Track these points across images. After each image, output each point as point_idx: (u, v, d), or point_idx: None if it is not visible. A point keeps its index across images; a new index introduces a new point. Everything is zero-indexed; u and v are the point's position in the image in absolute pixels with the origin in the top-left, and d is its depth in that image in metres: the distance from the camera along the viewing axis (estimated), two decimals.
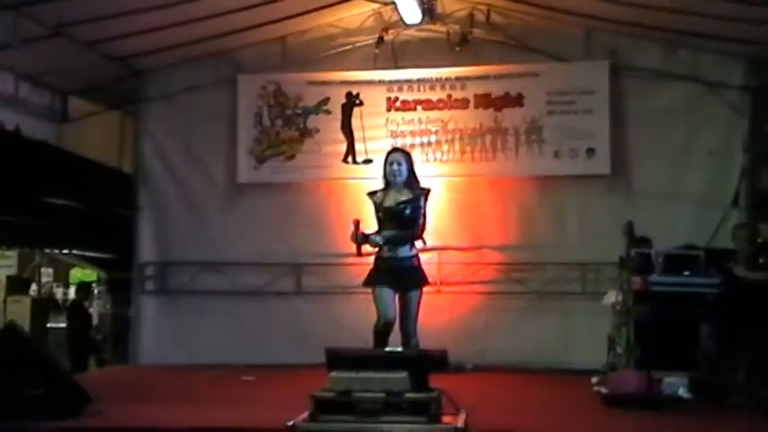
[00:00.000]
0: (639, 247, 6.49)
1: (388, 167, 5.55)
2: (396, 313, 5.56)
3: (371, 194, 5.59)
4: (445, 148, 8.37)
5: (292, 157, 8.60)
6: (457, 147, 8.38)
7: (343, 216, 6.17)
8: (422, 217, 5.49)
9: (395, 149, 5.71)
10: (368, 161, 8.32)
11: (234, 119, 8.64)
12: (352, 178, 8.31)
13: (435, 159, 8.38)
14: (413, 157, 5.65)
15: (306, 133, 8.59)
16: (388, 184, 5.52)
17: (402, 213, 5.45)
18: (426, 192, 5.55)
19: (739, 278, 5.99)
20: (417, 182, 5.59)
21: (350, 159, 8.48)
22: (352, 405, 4.23)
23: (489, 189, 8.44)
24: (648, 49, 8.17)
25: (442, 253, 8.20)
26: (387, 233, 5.42)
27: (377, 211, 5.51)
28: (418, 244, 5.57)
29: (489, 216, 8.41)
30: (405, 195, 5.47)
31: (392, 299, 5.49)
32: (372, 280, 5.61)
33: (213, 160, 8.73)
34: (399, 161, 5.55)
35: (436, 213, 7.91)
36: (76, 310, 10.30)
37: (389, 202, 5.47)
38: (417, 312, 5.54)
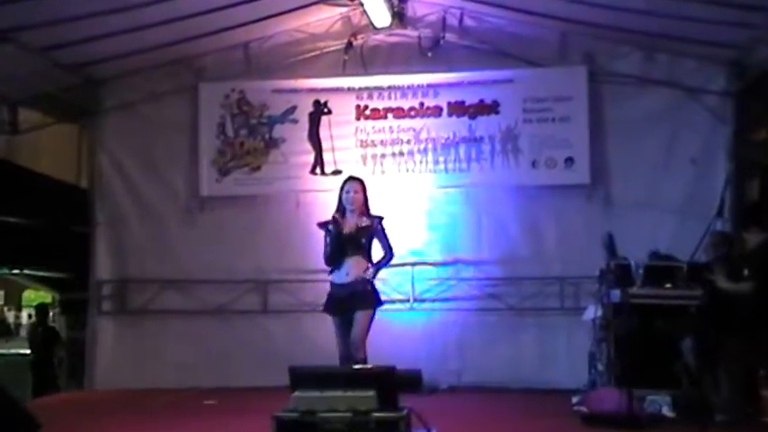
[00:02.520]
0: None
1: (344, 195, 5.70)
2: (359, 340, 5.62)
3: (324, 225, 5.71)
4: (418, 158, 8.38)
5: (258, 168, 8.58)
6: (430, 157, 8.40)
7: (312, 229, 5.92)
8: (386, 243, 5.64)
9: (351, 178, 5.83)
10: (337, 172, 8.27)
11: (195, 129, 8.62)
12: (321, 190, 8.19)
13: (408, 170, 8.42)
14: (366, 186, 5.74)
15: (271, 143, 8.58)
16: (344, 212, 5.68)
17: (359, 240, 5.64)
18: (381, 219, 5.73)
19: (721, 290, 5.99)
20: (369, 210, 5.77)
21: (318, 170, 8.46)
22: (315, 426, 4.22)
23: (464, 201, 8.43)
24: (627, 54, 8.19)
25: (415, 268, 8.24)
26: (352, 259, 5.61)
27: (335, 238, 5.62)
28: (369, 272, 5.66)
29: (464, 229, 8.42)
30: (362, 223, 5.65)
31: (348, 327, 5.57)
32: (328, 310, 5.70)
33: (174, 173, 8.71)
34: (356, 189, 5.72)
35: (409, 227, 8.17)
36: (46, 332, 10.12)
37: (349, 228, 5.62)
38: (366, 335, 5.56)
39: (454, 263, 8.37)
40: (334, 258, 5.60)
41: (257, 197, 8.58)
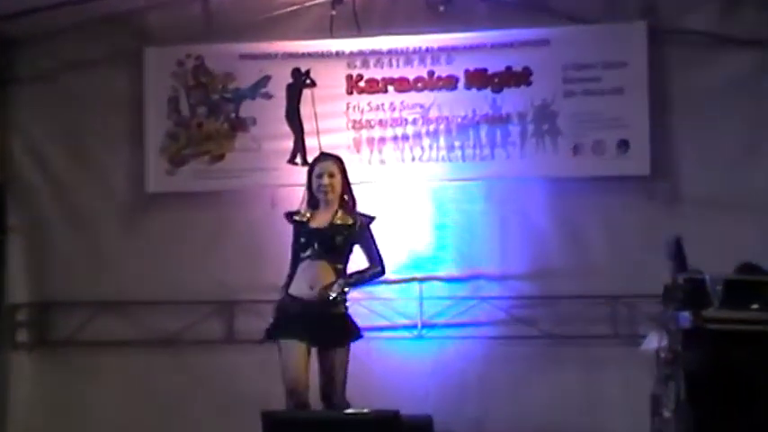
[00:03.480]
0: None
1: (314, 180, 5.62)
2: (307, 379, 5.56)
3: (292, 215, 5.75)
4: (426, 143, 8.12)
5: (221, 157, 8.31)
6: (442, 141, 8.12)
7: (291, 235, 6.04)
8: (374, 252, 5.65)
9: (323, 155, 5.81)
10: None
11: (139, 107, 8.33)
12: (303, 185, 7.32)
13: (413, 158, 8.15)
14: (345, 167, 5.73)
15: (239, 125, 8.28)
16: (316, 203, 5.60)
17: (333, 239, 5.52)
18: (370, 220, 5.70)
19: None
20: (354, 201, 5.70)
21: (299, 159, 8.18)
22: None
23: (486, 197, 8.17)
24: (700, 6, 7.93)
25: (424, 284, 8.06)
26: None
27: (298, 234, 5.59)
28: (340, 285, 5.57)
29: (486, 234, 8.12)
30: (339, 219, 5.59)
31: (305, 358, 5.49)
32: (278, 331, 5.62)
33: (111, 163, 8.45)
34: (331, 172, 5.60)
35: (415, 232, 8.06)
36: None
37: (318, 222, 5.53)
38: (345, 377, 5.56)
39: (473, 277, 8.08)
40: (294, 261, 5.52)
41: (221, 194, 8.29)
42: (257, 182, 8.34)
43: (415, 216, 8.19)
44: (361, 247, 5.62)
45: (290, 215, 5.90)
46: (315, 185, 5.56)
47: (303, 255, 5.56)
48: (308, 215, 5.74)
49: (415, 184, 8.24)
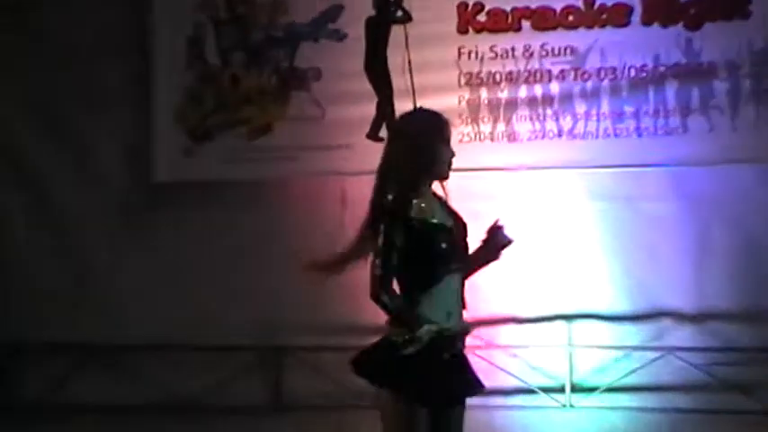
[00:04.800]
0: None
1: (446, 150, 4.35)
2: None
3: (398, 207, 4.35)
4: (581, 108, 7.06)
5: (266, 128, 7.39)
6: (605, 106, 7.06)
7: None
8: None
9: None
10: None
11: (143, 53, 7.57)
12: None
13: (559, 133, 7.08)
14: None
15: (294, 80, 7.40)
16: (426, 186, 4.38)
17: (466, 236, 4.47)
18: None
19: None
20: None
21: (383, 133, 7.20)
22: None
23: (673, 194, 7.12)
24: None
25: (574, 325, 7.08)
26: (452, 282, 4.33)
27: (432, 237, 4.29)
28: None
29: (673, 252, 7.19)
30: (445, 205, 4.49)
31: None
32: (428, 393, 4.37)
33: (102, 139, 7.66)
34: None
35: (560, 243, 7.16)
36: None
37: (443, 218, 4.40)
38: None
39: (652, 317, 7.14)
40: (437, 275, 4.24)
41: (264, 186, 7.48)
42: (321, 167, 7.39)
43: (562, 221, 7.22)
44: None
45: (396, 206, 4.31)
46: (447, 156, 4.25)
47: (443, 269, 4.27)
48: (427, 208, 4.41)
49: (562, 173, 7.20)
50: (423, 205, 4.39)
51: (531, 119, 7.15)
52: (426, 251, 4.27)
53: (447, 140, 4.37)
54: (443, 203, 4.48)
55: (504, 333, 7.07)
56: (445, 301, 4.35)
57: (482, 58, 7.17)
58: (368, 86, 7.30)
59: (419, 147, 4.27)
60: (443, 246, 4.36)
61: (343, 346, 6.51)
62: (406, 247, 4.17)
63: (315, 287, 6.93)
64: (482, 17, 7.18)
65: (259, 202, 7.50)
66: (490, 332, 6.97)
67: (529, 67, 7.14)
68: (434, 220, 4.37)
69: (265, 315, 7.40)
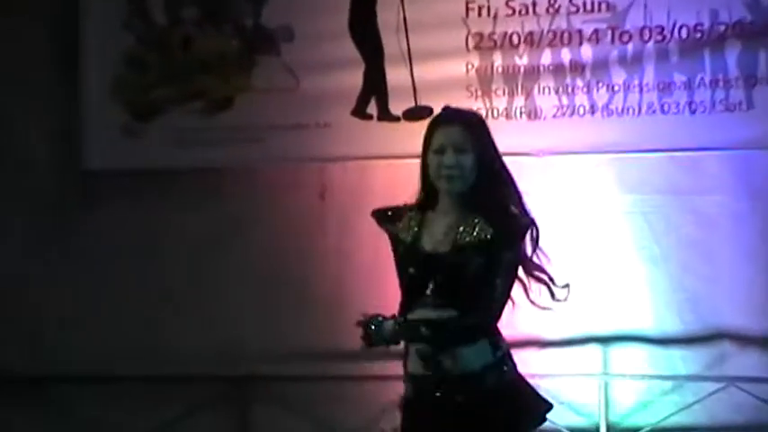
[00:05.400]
0: None
1: (432, 157, 4.29)
2: None
3: (386, 218, 4.47)
4: (619, 77, 6.17)
5: (226, 102, 6.63)
6: (650, 74, 6.15)
7: (356, 251, 5.77)
8: (508, 282, 4.32)
9: (447, 113, 4.42)
10: (417, 112, 6.34)
11: (70, 10, 6.75)
12: (381, 157, 6.48)
13: (592, 109, 6.20)
14: (489, 130, 4.34)
15: (261, 42, 6.66)
16: (433, 197, 4.34)
17: (462, 268, 4.20)
18: (526, 227, 4.29)
19: None
20: (505, 190, 4.40)
21: (373, 108, 6.50)
22: None
23: (735, 182, 6.33)
24: None
25: (612, 349, 6.28)
26: (424, 314, 4.22)
27: (401, 259, 4.34)
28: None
29: (736, 251, 6.38)
30: (470, 227, 4.23)
31: None
32: None
33: (20, 119, 6.93)
34: (459, 145, 4.23)
35: (592, 249, 6.37)
36: None
37: (430, 241, 4.26)
38: None
39: (709, 338, 6.33)
40: (408, 305, 4.25)
41: (223, 175, 6.73)
42: (294, 151, 6.61)
43: (594, 221, 6.42)
44: (488, 271, 4.18)
45: (382, 216, 4.39)
46: (434, 167, 4.15)
47: (415, 296, 4.19)
48: (416, 225, 4.28)
49: (595, 160, 6.34)
50: (411, 221, 4.30)
51: (556, 91, 6.27)
52: (398, 272, 4.21)
53: (438, 147, 4.17)
54: (464, 227, 4.18)
55: (524, 359, 5.63)
56: None
57: (496, 15, 6.33)
58: (352, 50, 6.47)
59: (421, 157, 4.19)
60: (411, 271, 4.19)
61: (319, 376, 6.48)
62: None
63: (285, 304, 6.57)
64: None
65: (217, 197, 6.70)
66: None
67: (554, 27, 6.31)
68: (406, 238, 4.24)
69: (226, 338, 6.62)
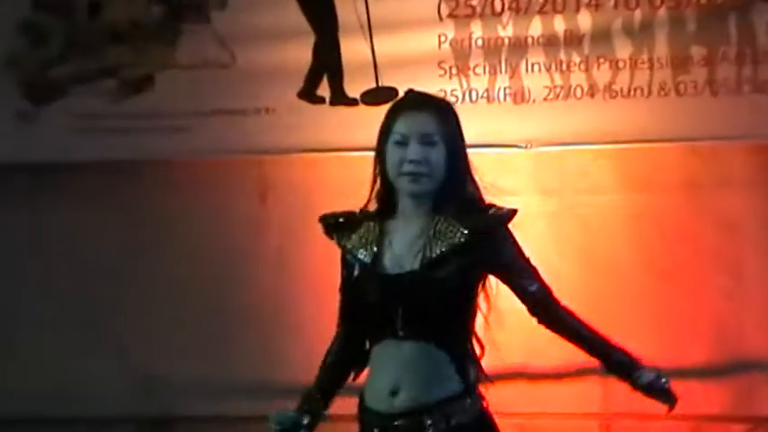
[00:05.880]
0: None
1: (393, 152, 3.62)
2: None
3: (336, 226, 3.84)
4: (624, 52, 5.60)
5: (145, 83, 6.02)
6: (661, 48, 5.55)
7: (302, 264, 5.40)
8: (537, 284, 3.65)
9: (412, 96, 3.72)
10: (379, 94, 5.78)
11: None
12: (334, 149, 5.95)
13: (591, 90, 5.62)
14: (458, 118, 3.63)
15: (186, 8, 6.08)
16: (390, 201, 3.70)
17: (437, 290, 3.57)
18: (508, 216, 3.68)
19: None
20: (477, 187, 3.76)
21: (323, 91, 5.90)
22: None
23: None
24: None
25: (613, 382, 4.80)
26: (388, 348, 3.62)
27: (356, 282, 3.70)
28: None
29: None
30: (441, 234, 3.66)
31: None
32: None
33: None
34: (427, 135, 3.63)
35: (588, 257, 5.92)
36: None
37: (393, 258, 3.62)
38: None
39: (737, 371, 5.79)
40: (368, 333, 3.69)
41: (141, 169, 6.09)
42: (229, 141, 6.00)
43: (594, 228, 5.91)
44: (510, 280, 3.54)
45: (332, 224, 3.73)
46: (393, 159, 3.47)
47: (371, 327, 3.62)
48: (374, 240, 3.63)
49: (595, 153, 5.76)
50: (369, 235, 3.75)
51: (548, 68, 5.63)
52: (347, 297, 3.67)
53: (400, 138, 3.59)
54: (443, 235, 3.66)
55: (510, 395, 5.40)
56: (385, 371, 3.60)
57: None
58: (300, 19, 5.83)
59: (376, 150, 3.63)
60: (370, 300, 3.64)
61: (249, 416, 5.58)
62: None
63: (214, 329, 5.88)
64: None
65: (131, 198, 6.06)
66: (488, 394, 6.07)
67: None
68: (364, 257, 3.70)
69: (143, 370, 5.97)
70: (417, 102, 3.63)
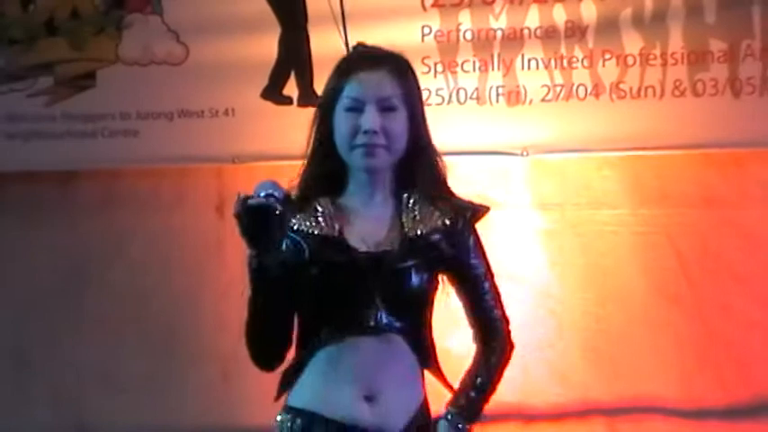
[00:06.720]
0: None
1: (343, 120, 3.25)
2: None
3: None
4: (634, 46, 5.23)
5: (84, 81, 5.54)
6: (675, 41, 5.21)
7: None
8: (491, 298, 3.43)
9: (365, 51, 3.41)
10: None
11: None
12: (302, 156, 4.21)
13: (596, 89, 5.26)
14: (418, 81, 3.29)
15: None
16: (336, 178, 3.35)
17: (420, 274, 3.24)
18: (479, 212, 3.36)
19: None
20: (441, 164, 3.49)
21: (290, 90, 5.49)
22: None
23: None
24: None
25: (619, 422, 5.48)
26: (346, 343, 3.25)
27: (314, 257, 3.27)
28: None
29: None
30: (421, 213, 3.34)
31: None
32: None
33: None
34: (386, 99, 3.25)
35: (592, 283, 5.52)
36: None
37: (358, 236, 3.25)
38: None
39: (756, 411, 5.38)
40: (320, 329, 3.27)
41: (79, 180, 5.67)
42: (181, 147, 5.54)
43: (598, 248, 5.52)
44: (462, 288, 3.29)
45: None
46: (343, 132, 3.14)
47: (327, 321, 3.19)
48: (331, 216, 3.26)
49: (598, 161, 5.41)
50: (319, 208, 3.35)
51: (546, 65, 5.22)
52: (306, 284, 3.21)
53: (352, 103, 3.26)
54: (409, 215, 3.37)
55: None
56: (349, 371, 3.27)
57: None
58: (264, 8, 5.41)
59: (316, 116, 3.30)
60: (339, 278, 3.26)
61: None
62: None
63: (160, 367, 5.35)
64: None
65: (67, 212, 5.57)
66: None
67: None
68: (322, 230, 3.35)
69: (71, 417, 5.42)
70: (372, 58, 3.25)
